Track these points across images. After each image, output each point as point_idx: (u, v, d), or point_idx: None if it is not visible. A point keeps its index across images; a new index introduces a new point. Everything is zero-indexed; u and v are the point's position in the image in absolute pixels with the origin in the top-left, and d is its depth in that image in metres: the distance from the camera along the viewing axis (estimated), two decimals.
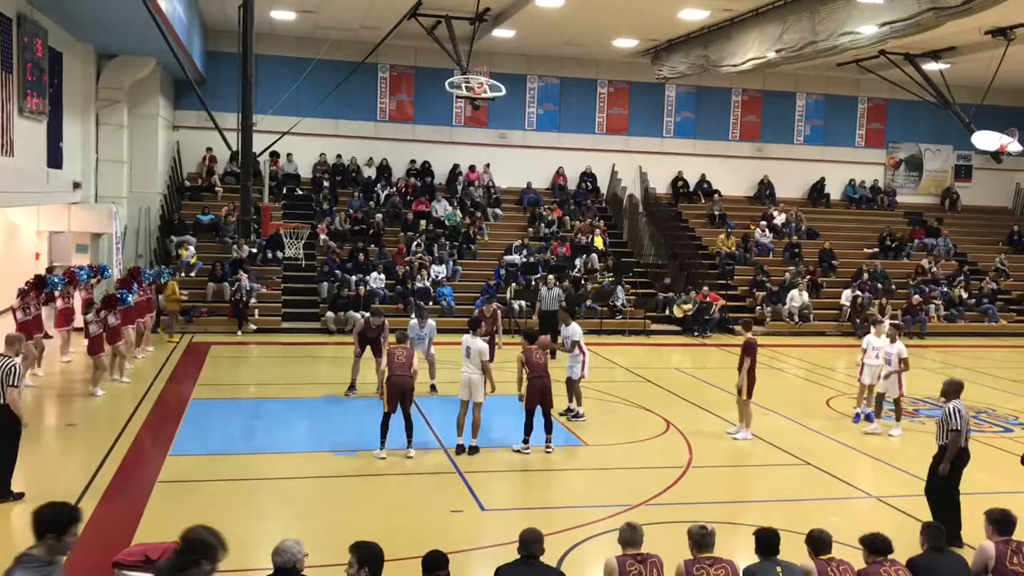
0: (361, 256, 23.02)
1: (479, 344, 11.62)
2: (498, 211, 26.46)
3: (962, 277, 26.60)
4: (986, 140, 21.56)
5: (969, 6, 14.26)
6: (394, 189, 26.12)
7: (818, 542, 6.00)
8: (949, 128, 25.24)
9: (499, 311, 17.13)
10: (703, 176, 28.82)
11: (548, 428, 11.69)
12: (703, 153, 28.78)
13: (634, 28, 22.74)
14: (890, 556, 5.91)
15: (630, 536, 5.81)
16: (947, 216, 29.96)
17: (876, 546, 5.91)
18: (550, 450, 11.65)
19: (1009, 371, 19.70)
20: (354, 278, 22.14)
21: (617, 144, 28.16)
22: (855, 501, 10.39)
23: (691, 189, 28.77)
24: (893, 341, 13.53)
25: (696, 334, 23.07)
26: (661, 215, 27.73)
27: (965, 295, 25.89)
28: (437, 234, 24.68)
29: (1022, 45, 20.95)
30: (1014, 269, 27.52)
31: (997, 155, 21.90)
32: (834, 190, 29.83)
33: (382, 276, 22.53)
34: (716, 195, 28.46)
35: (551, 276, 21.63)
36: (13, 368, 8.99)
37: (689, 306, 23.50)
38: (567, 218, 26.50)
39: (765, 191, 29.15)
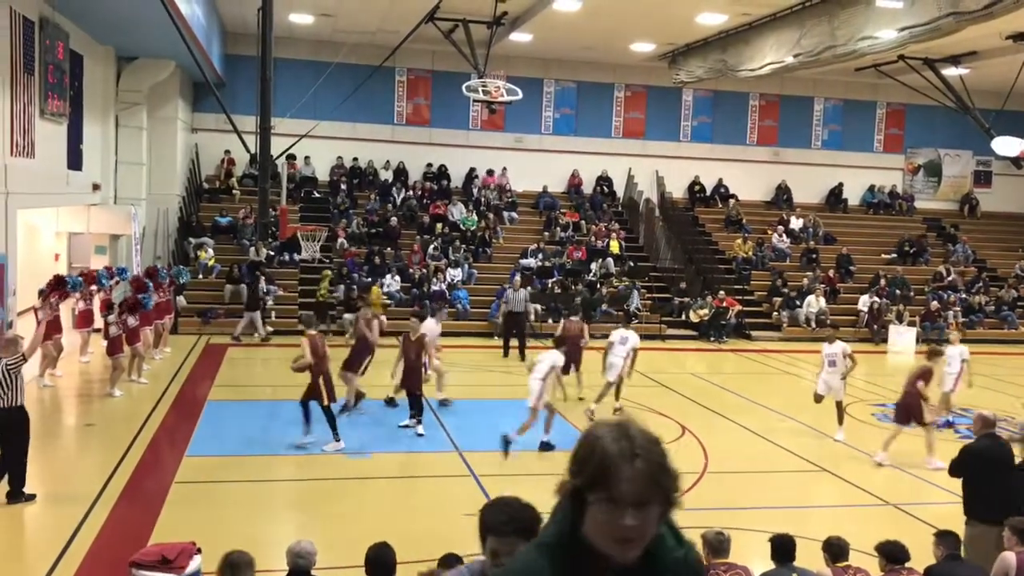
0: (377, 259, 23.09)
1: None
2: (514, 215, 26.47)
3: (981, 284, 26.38)
4: (1007, 146, 21.40)
5: (990, 11, 14.15)
6: (410, 192, 26.18)
7: (835, 549, 5.98)
8: (968, 133, 25.03)
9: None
10: (720, 180, 28.74)
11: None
12: (720, 157, 28.70)
13: (651, 32, 22.71)
14: (907, 564, 5.87)
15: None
16: (966, 222, 29.74)
17: (894, 554, 5.88)
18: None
19: None
20: (370, 280, 22.19)
21: (634, 148, 28.12)
22: (872, 508, 10.33)
23: (708, 193, 28.70)
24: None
25: (712, 339, 22.99)
26: (678, 219, 27.66)
27: (984, 302, 25.68)
28: (453, 237, 24.72)
29: None
30: None
31: (1018, 161, 21.72)
32: (852, 195, 29.67)
33: (397, 279, 22.59)
34: (733, 199, 28.36)
35: (518, 277, 21.62)
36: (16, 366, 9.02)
37: (705, 311, 23.41)
38: (583, 222, 26.48)
39: (782, 196, 29.04)
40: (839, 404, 13.44)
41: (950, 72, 23.37)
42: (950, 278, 26.31)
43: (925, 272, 26.81)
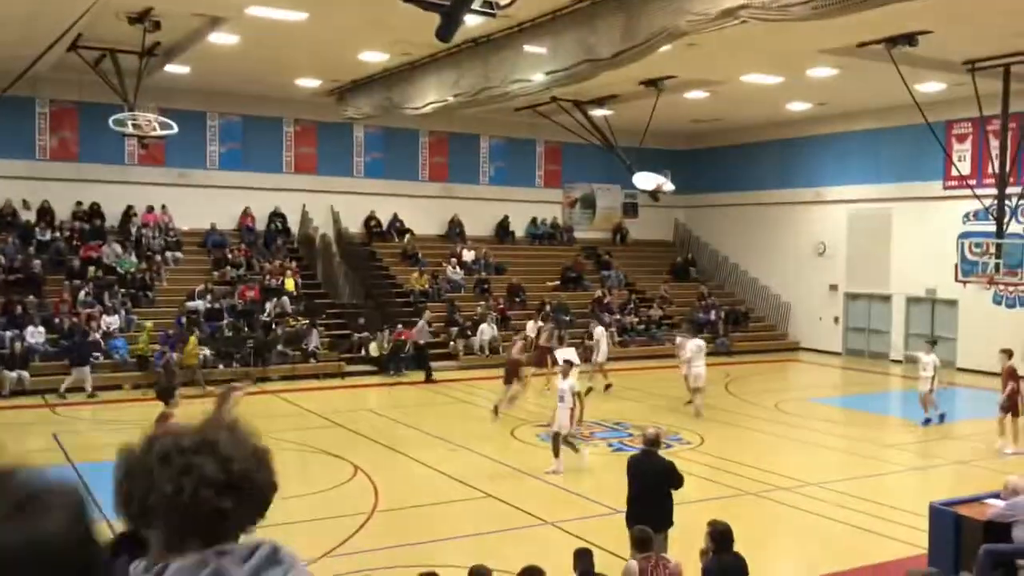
0: (19, 309, 20.67)
1: None
2: (178, 254, 24.92)
3: (632, 305, 28.94)
4: (645, 180, 23.65)
5: (618, 59, 15.61)
6: (57, 234, 23.76)
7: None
8: (617, 169, 27.02)
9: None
10: (395, 215, 29.11)
11: None
12: (394, 192, 29.05)
13: (315, 68, 22.51)
14: None
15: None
16: (618, 250, 32.52)
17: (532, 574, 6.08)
18: None
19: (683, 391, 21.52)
20: (9, 333, 19.80)
21: (307, 183, 27.67)
22: (533, 529, 10.76)
23: (384, 228, 28.93)
24: (565, 377, 13.53)
25: (392, 373, 23.09)
26: (356, 254, 27.61)
27: (635, 321, 28.17)
28: (109, 281, 22.72)
29: (671, 95, 23.34)
30: (676, 296, 30.40)
31: (654, 194, 24.07)
32: (518, 227, 31.32)
33: (42, 330, 20.33)
34: (409, 234, 28.83)
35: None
36: None
37: (384, 345, 23.52)
38: (255, 260, 25.54)
39: (455, 229, 30.00)
40: (557, 435, 13.21)
41: (597, 113, 25.53)
42: (607, 300, 28.60)
43: (587, 297, 28.88)
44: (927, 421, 16.98)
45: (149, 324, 21.18)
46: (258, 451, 1.58)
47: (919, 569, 6.45)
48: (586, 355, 21.76)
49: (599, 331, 21.90)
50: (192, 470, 1.46)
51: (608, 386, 20.54)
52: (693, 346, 18.40)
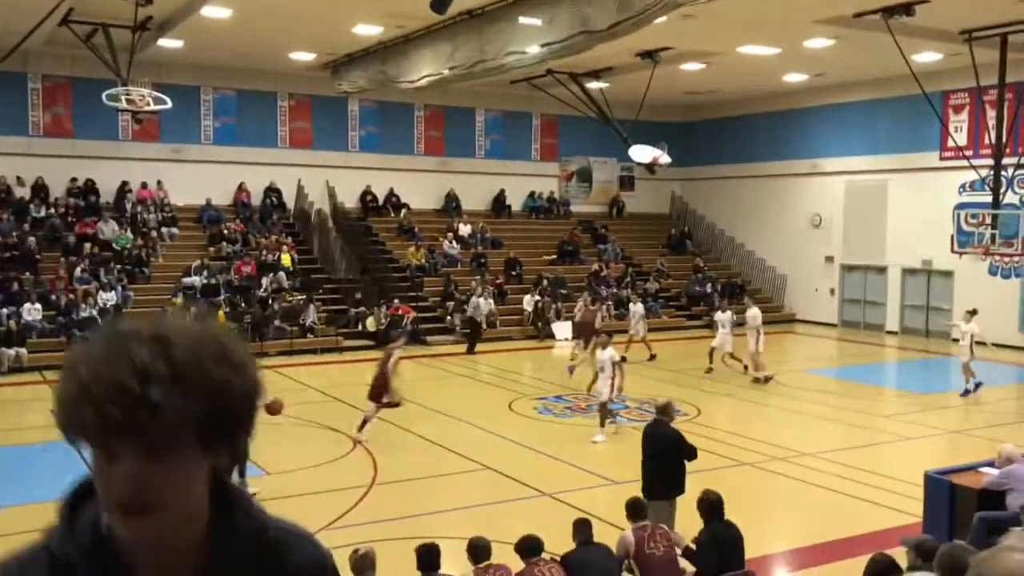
0: (15, 286, 20.65)
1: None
2: (174, 230, 24.87)
3: (628, 278, 28.94)
4: (641, 153, 23.59)
5: (614, 31, 15.51)
6: (52, 210, 23.68)
7: (476, 550, 6.11)
8: (613, 142, 26.88)
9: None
10: (391, 190, 29.01)
11: None
12: (390, 167, 28.95)
13: (309, 41, 22.37)
14: (544, 555, 6.15)
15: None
16: (614, 223, 32.48)
17: (530, 548, 6.13)
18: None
19: (680, 363, 21.63)
20: (5, 311, 19.79)
21: (302, 158, 27.55)
22: (531, 501, 10.84)
23: (380, 203, 28.86)
24: (604, 348, 14.01)
25: None
26: (351, 229, 27.55)
27: (632, 294, 28.15)
28: (105, 258, 22.68)
29: (667, 67, 23.22)
30: (673, 269, 30.40)
31: (651, 167, 24.02)
32: (515, 201, 31.25)
33: (38, 307, 20.32)
34: (405, 208, 28.76)
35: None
36: None
37: (382, 319, 23.54)
38: (251, 235, 25.49)
39: (451, 203, 29.93)
40: (602, 405, 13.76)
41: (593, 85, 25.39)
42: (604, 274, 28.60)
43: (583, 270, 28.88)
44: (967, 392, 16.92)
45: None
46: (226, 347, 1.29)
47: (914, 537, 6.51)
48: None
49: (639, 308, 22.89)
50: (119, 356, 1.21)
51: (653, 356, 21.59)
52: (754, 314, 19.03)
